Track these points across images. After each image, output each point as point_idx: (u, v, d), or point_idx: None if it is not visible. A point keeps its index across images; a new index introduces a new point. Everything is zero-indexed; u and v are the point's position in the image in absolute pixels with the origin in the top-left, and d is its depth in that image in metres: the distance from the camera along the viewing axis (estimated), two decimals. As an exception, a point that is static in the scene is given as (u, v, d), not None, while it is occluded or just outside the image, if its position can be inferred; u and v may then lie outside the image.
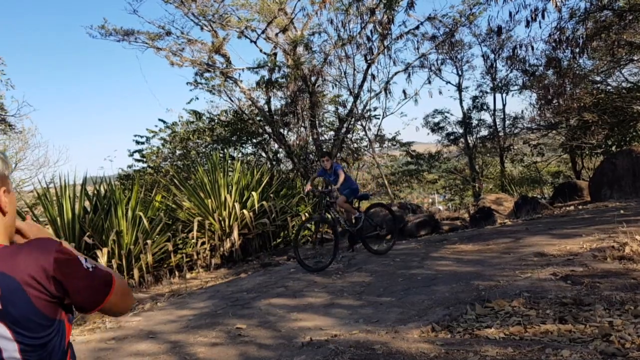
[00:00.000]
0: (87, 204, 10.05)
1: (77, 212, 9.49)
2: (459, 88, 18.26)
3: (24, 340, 1.18)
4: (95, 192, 10.56)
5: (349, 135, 15.78)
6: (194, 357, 4.15)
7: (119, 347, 4.63)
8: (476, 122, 18.87)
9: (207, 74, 15.05)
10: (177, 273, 9.67)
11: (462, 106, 18.49)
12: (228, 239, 10.41)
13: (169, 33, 14.17)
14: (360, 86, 14.68)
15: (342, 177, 7.67)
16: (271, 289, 6.45)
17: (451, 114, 19.19)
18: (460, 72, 18.10)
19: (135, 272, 8.82)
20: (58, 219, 9.42)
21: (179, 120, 17.78)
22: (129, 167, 17.59)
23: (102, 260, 8.36)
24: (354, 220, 7.92)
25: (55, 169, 20.97)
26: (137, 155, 17.58)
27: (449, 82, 18.42)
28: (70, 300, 1.25)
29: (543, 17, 11.51)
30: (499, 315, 4.25)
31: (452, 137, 19.19)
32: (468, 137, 18.65)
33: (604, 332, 3.63)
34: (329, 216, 7.96)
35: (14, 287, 1.17)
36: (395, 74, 15.66)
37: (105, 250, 8.55)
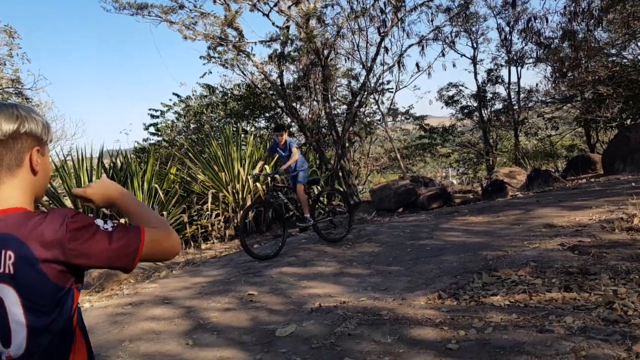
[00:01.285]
0: (104, 176, 10.22)
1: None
2: (474, 61, 18.03)
3: (30, 306, 1.20)
4: (112, 164, 10.74)
5: (361, 109, 15.73)
6: (207, 321, 4.30)
7: (136, 311, 4.81)
8: (491, 95, 18.67)
9: (220, 48, 15.00)
10: (192, 244, 9.87)
11: (476, 79, 18.29)
12: (242, 211, 10.56)
13: (182, 6, 14.10)
14: (373, 59, 14.57)
15: (295, 156, 7.22)
16: (282, 258, 6.59)
17: (465, 87, 18.96)
18: (475, 45, 17.86)
19: (152, 243, 9.02)
20: (76, 190, 9.61)
21: (193, 95, 17.88)
22: (145, 140, 17.79)
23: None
24: (307, 215, 7.33)
25: (73, 142, 21.26)
26: (152, 129, 17.76)
27: (464, 55, 18.18)
28: (97, 264, 1.27)
29: (560, -12, 11.32)
30: (505, 284, 4.33)
31: (466, 111, 19.01)
32: (482, 111, 18.47)
33: (607, 299, 3.70)
34: (280, 199, 7.69)
35: (27, 255, 1.19)
36: (409, 46, 15.53)
37: (122, 221, 8.73)
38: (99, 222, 1.27)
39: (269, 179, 7.91)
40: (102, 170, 10.50)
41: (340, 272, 5.55)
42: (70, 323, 1.27)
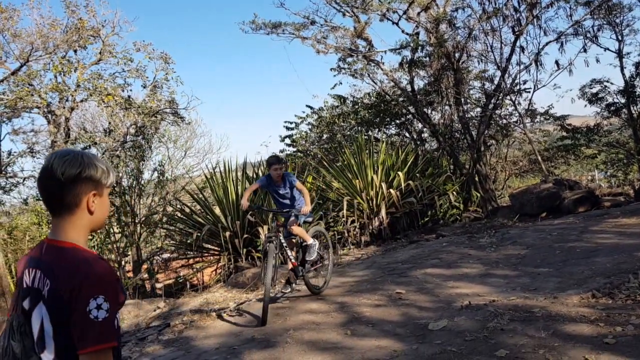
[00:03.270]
0: (248, 185, 10.99)
1: (240, 193, 10.42)
2: (620, 54, 16.67)
3: (56, 323, 1.44)
4: (255, 175, 11.53)
5: (497, 111, 15.28)
6: (361, 315, 4.62)
7: (294, 306, 5.28)
8: (641, 90, 17.14)
9: (349, 59, 15.50)
10: (330, 249, 10.31)
11: (623, 74, 16.85)
12: (376, 218, 10.82)
13: (313, 22, 14.82)
14: (508, 59, 14.13)
15: (307, 193, 5.84)
16: (425, 260, 6.74)
17: (611, 83, 17.46)
18: (620, 38, 16.49)
19: (293, 248, 9.58)
20: (224, 199, 10.46)
21: (324, 106, 18.56)
22: (281, 151, 18.79)
23: (264, 235, 9.14)
24: (305, 247, 5.80)
25: (218, 155, 23.07)
26: (287, 141, 18.76)
27: (608, 49, 16.86)
28: (73, 332, 1.42)
29: None
30: (666, 285, 4.14)
31: (612, 108, 17.61)
32: (631, 107, 17.00)
33: None
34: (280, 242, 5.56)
35: (56, 286, 1.44)
36: (547, 44, 14.74)
37: (265, 227, 9.34)
38: (95, 303, 1.41)
39: (275, 215, 5.91)
40: (246, 181, 11.31)
41: (486, 274, 5.59)
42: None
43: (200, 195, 11.80)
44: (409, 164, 11.82)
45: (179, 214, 11.74)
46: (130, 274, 11.17)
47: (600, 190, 13.42)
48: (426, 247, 7.76)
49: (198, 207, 11.60)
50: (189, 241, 10.20)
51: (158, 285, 10.53)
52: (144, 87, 12.78)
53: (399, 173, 11.17)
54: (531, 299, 4.34)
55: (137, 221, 12.34)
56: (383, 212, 10.68)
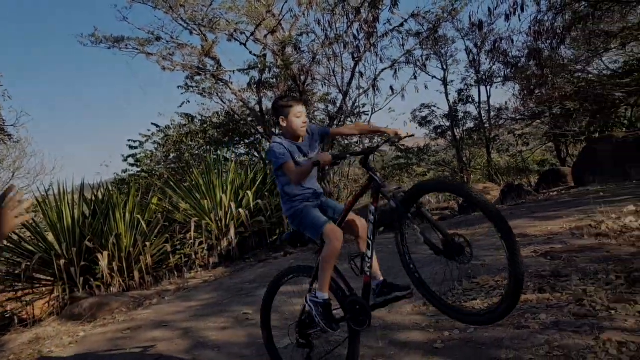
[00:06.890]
0: (86, 209, 10.24)
1: (76, 217, 9.67)
2: (445, 82, 18.64)
3: None
4: (94, 197, 10.78)
5: (339, 132, 16.09)
6: (206, 339, 4.51)
7: (135, 335, 4.98)
8: (462, 114, 19.23)
9: (197, 77, 15.35)
10: (176, 273, 9.93)
11: (448, 100, 18.86)
12: (225, 238, 10.68)
13: (158, 38, 14.45)
14: (349, 84, 15.02)
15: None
16: (272, 278, 6.79)
17: (438, 108, 19.51)
18: (445, 67, 18.48)
19: (136, 274, 9.04)
20: (58, 224, 9.61)
21: (172, 124, 18.08)
22: (124, 172, 17.85)
23: (103, 262, 8.57)
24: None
25: (52, 176, 21.28)
26: (131, 160, 17.87)
27: (435, 77, 18.80)
28: None
29: (522, 10, 12.04)
30: (484, 289, 4.64)
31: (439, 131, 19.54)
32: (455, 130, 19.01)
33: (577, 297, 4.03)
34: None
35: None
36: (382, 70, 16.00)
37: (105, 253, 8.75)
38: None
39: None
40: (84, 203, 10.51)
41: (329, 288, 5.78)
42: None
43: (32, 221, 10.69)
44: (258, 183, 11.88)
45: (5, 242, 10.50)
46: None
47: (429, 205, 14.70)
48: (274, 265, 7.84)
49: (28, 233, 10.50)
50: (16, 272, 9.16)
51: (-22, 322, 9.30)
52: (-37, 100, 11.40)
53: (248, 192, 11.17)
54: (370, 310, 4.58)
55: (-50, 251, 10.83)
56: (232, 232, 10.57)
